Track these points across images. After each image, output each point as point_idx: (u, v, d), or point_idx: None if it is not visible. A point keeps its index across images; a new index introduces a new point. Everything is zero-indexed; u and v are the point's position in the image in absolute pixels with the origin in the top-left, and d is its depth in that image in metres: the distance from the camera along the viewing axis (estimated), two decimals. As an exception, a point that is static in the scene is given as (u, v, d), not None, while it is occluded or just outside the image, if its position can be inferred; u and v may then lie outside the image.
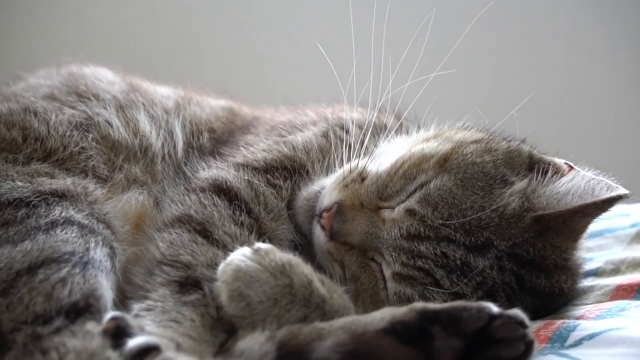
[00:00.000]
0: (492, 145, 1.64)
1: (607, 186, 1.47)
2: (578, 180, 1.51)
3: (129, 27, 4.06)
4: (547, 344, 1.36)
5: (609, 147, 3.76)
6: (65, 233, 1.45)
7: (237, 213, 1.61)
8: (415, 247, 1.50)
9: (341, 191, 1.61)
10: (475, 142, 1.64)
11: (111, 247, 1.51)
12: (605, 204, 1.48)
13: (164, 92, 2.00)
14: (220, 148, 1.85)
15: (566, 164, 1.59)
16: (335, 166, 1.73)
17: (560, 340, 1.36)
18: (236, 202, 1.62)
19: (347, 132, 1.80)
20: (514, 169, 1.59)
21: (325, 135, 1.82)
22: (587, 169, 1.55)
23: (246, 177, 1.68)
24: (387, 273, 1.52)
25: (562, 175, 1.55)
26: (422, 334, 1.25)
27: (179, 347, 1.29)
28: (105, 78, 1.95)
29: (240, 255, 1.39)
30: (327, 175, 1.73)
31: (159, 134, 1.85)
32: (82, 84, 1.89)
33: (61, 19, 4.03)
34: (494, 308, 1.23)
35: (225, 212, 1.59)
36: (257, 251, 1.40)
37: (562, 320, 1.46)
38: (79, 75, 1.94)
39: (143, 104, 1.89)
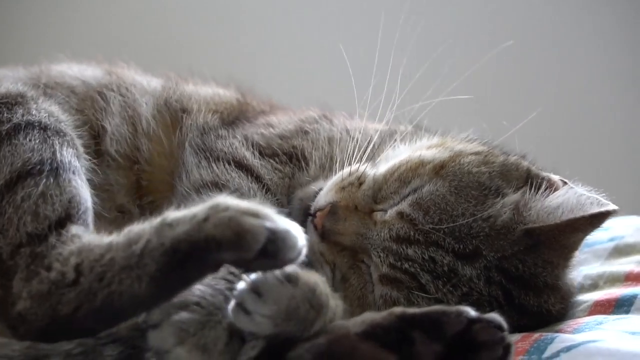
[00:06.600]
0: (491, 158, 1.64)
1: (597, 202, 1.47)
2: (570, 195, 1.51)
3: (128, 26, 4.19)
4: (524, 356, 1.34)
5: (608, 164, 3.78)
6: (30, 140, 1.46)
7: (263, 191, 1.69)
8: (404, 249, 1.50)
9: (337, 193, 1.62)
10: (475, 154, 1.65)
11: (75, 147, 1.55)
12: (594, 219, 1.48)
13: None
14: (238, 124, 1.91)
15: (561, 180, 1.59)
16: (336, 170, 1.74)
17: (537, 353, 1.34)
18: (260, 182, 1.71)
19: (353, 137, 1.82)
20: (510, 182, 1.59)
21: (335, 137, 1.85)
22: (581, 186, 1.55)
23: (262, 162, 1.76)
24: (375, 275, 1.53)
25: (556, 190, 1.55)
26: (402, 338, 1.24)
27: None
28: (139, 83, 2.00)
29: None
30: (330, 176, 1.74)
31: None
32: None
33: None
34: (472, 312, 1.23)
35: (251, 185, 1.69)
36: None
37: (539, 333, 1.44)
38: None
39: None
